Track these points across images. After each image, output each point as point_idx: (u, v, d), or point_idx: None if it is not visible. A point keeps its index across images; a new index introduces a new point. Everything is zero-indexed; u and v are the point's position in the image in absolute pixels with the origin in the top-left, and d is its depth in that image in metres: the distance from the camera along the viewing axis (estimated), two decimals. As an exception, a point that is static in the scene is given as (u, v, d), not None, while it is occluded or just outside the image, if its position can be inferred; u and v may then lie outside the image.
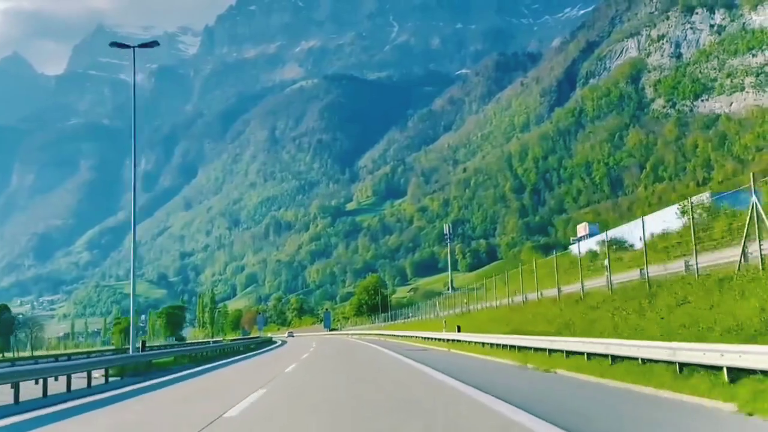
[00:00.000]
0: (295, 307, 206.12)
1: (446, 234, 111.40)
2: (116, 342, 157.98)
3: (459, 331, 43.10)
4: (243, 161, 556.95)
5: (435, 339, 48.51)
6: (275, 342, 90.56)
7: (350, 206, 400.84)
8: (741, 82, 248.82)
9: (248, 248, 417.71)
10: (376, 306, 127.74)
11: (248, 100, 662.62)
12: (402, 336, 66.86)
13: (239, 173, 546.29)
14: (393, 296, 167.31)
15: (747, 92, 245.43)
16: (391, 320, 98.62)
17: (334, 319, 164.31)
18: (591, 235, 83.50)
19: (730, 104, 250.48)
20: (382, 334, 79.92)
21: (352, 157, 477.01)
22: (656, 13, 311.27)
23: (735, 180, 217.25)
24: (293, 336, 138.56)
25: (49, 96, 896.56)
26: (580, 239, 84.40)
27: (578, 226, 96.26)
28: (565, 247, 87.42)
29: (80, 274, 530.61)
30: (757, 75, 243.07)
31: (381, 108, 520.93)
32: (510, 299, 43.94)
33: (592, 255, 47.03)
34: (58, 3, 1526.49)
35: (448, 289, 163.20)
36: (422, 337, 54.65)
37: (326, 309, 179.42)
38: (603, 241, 43.41)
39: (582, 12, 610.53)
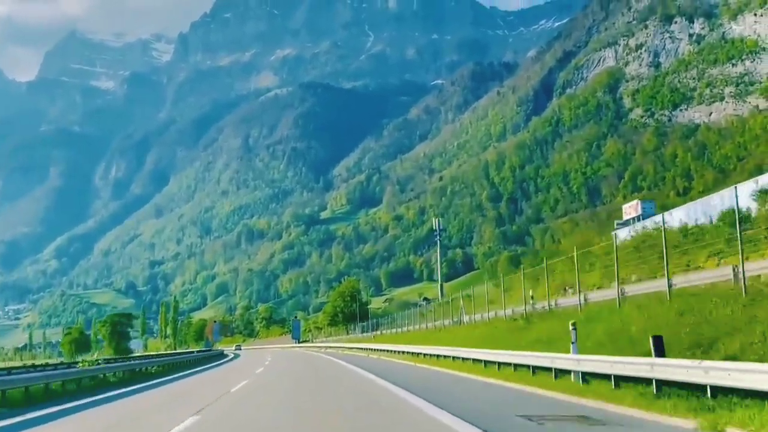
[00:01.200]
0: (263, 317, 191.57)
1: (435, 230, 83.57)
2: (66, 354, 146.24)
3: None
4: (216, 169, 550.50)
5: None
6: (225, 357, 78.33)
7: (324, 215, 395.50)
8: (720, 91, 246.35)
9: (219, 257, 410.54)
10: (353, 314, 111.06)
11: (222, 107, 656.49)
12: (400, 352, 48.59)
13: (211, 181, 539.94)
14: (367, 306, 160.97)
15: (726, 102, 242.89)
16: (372, 331, 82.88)
17: (305, 330, 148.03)
18: (645, 216, 66.59)
19: (710, 114, 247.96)
20: (364, 348, 62.98)
21: (327, 166, 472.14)
22: (634, 22, 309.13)
23: (715, 190, 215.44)
24: (240, 349, 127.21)
25: (19, 102, 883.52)
26: (627, 222, 70.49)
27: (625, 206, 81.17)
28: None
29: (48, 283, 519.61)
30: (737, 85, 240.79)
31: (356, 117, 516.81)
32: (539, 304, 33.50)
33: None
34: (31, 9, 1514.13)
35: (424, 300, 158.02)
36: (442, 356, 36.19)
37: (295, 317, 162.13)
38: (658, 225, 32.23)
39: (557, 24, 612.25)
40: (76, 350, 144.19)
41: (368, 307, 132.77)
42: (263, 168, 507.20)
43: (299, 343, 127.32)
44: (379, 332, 77.12)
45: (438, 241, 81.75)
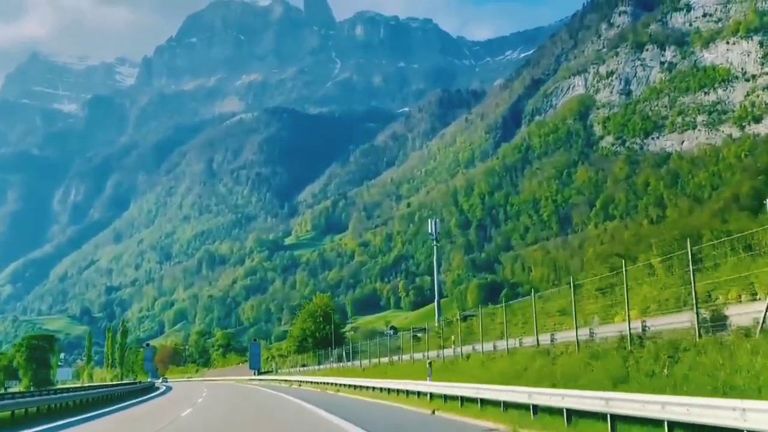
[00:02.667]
0: (220, 344, 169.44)
1: (431, 233, 62.11)
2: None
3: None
4: (178, 194, 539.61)
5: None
6: (145, 394, 62.57)
7: (289, 240, 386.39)
8: (693, 120, 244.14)
9: (179, 283, 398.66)
10: (326, 339, 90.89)
11: (185, 132, 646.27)
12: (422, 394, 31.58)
13: (173, 206, 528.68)
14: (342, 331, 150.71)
15: (699, 130, 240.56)
16: (350, 360, 63.90)
17: (267, 358, 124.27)
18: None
19: (682, 142, 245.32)
20: (357, 387, 44.01)
21: (292, 191, 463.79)
22: (605, 50, 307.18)
23: (690, 219, 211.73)
24: (167, 382, 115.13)
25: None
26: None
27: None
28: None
29: (0, 308, 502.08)
30: (710, 113, 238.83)
31: (322, 142, 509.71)
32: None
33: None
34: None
35: (391, 330, 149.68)
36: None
37: (254, 340, 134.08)
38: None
39: (523, 55, 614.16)
40: (5, 378, 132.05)
41: (342, 331, 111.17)
42: (226, 193, 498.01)
43: (259, 374, 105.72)
44: (359, 363, 58.64)
45: (435, 247, 63.54)
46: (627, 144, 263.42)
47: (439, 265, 75.64)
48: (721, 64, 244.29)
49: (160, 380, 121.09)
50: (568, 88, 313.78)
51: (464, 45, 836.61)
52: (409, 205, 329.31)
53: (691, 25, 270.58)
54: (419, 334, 54.40)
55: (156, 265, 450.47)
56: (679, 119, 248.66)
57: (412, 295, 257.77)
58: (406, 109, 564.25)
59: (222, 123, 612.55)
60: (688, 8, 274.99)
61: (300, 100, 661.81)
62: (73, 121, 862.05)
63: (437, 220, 63.74)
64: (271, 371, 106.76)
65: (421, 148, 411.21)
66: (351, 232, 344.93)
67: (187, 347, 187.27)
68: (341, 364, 66.18)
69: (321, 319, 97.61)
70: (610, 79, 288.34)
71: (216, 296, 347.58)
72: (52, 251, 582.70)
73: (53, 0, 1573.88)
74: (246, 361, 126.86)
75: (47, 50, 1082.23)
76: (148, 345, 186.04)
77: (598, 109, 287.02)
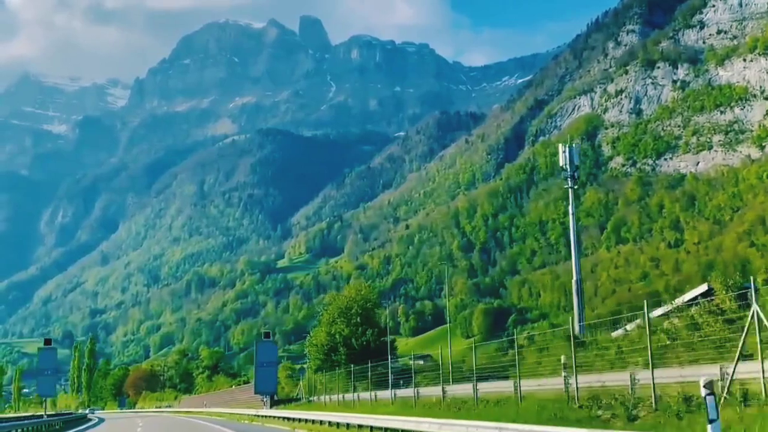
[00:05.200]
0: (206, 365, 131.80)
1: (564, 168, 43.43)
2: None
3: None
4: (167, 216, 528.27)
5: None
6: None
7: (282, 263, 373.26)
8: (708, 140, 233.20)
9: (166, 306, 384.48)
10: (367, 349, 59.71)
11: (177, 154, 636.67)
12: None
13: (162, 228, 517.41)
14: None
15: (715, 151, 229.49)
16: (402, 387, 40.86)
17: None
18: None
19: (697, 163, 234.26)
20: None
21: (285, 214, 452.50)
22: (612, 68, 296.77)
23: (711, 242, 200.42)
24: (94, 413, 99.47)
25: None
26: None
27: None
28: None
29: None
30: (726, 133, 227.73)
31: (316, 165, 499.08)
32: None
33: None
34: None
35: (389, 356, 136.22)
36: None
37: (264, 335, 76.29)
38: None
39: (520, 80, 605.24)
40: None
41: (391, 339, 69.86)
42: (218, 215, 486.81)
43: (273, 403, 63.05)
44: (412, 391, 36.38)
45: (571, 189, 41.61)
46: (638, 165, 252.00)
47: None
48: (738, 82, 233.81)
49: (87, 411, 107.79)
50: (574, 108, 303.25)
51: (460, 70, 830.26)
52: (407, 227, 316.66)
53: (704, 42, 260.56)
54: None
55: (143, 288, 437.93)
56: (694, 139, 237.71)
57: (412, 321, 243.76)
58: (401, 133, 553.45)
59: (214, 145, 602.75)
60: (702, 25, 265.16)
61: (294, 122, 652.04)
62: (63, 142, 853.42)
63: (572, 148, 46.23)
64: (299, 399, 66.02)
65: (419, 170, 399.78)
66: (347, 255, 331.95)
67: (166, 369, 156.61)
68: (395, 391, 40.21)
69: (359, 319, 63.89)
70: (619, 97, 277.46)
71: (205, 319, 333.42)
72: (37, 273, 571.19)
73: (45, 20, 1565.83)
74: (242, 383, 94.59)
75: (38, 71, 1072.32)
76: (108, 365, 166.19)
77: (606, 128, 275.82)
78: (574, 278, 41.46)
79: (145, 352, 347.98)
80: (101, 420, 71.24)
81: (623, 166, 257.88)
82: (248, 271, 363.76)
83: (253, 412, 61.25)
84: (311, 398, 62.50)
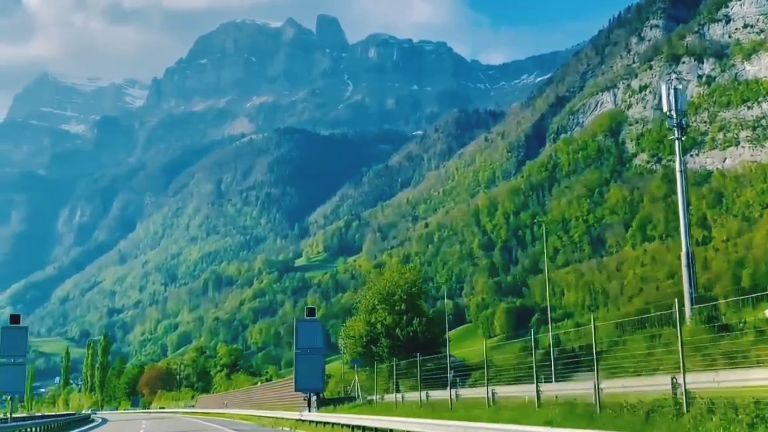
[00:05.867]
0: (224, 363, 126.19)
1: (668, 113, 36.09)
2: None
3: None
4: (185, 215, 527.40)
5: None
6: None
7: (299, 262, 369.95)
8: (735, 136, 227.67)
9: (183, 305, 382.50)
10: (414, 341, 51.95)
11: (194, 153, 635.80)
12: None
13: (180, 227, 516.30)
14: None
15: (742, 147, 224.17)
16: (458, 386, 34.89)
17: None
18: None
19: (724, 159, 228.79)
20: None
21: (302, 213, 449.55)
22: (636, 64, 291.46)
23: (740, 239, 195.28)
24: (96, 414, 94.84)
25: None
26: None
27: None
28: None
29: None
30: (754, 128, 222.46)
31: (334, 163, 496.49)
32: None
33: None
34: (0, 50, 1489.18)
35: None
36: None
37: (308, 311, 51.20)
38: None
39: (539, 79, 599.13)
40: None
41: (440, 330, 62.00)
42: (235, 214, 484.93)
43: (321, 404, 46.68)
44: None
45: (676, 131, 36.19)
46: (663, 162, 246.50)
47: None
48: (765, 77, 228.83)
49: (89, 411, 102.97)
50: (596, 105, 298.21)
51: (478, 69, 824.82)
52: (426, 225, 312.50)
53: (730, 36, 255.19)
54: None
55: (161, 287, 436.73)
56: (720, 135, 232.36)
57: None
58: (419, 132, 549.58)
59: (231, 144, 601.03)
60: (727, 19, 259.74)
61: (311, 121, 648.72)
62: (81, 142, 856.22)
63: (677, 90, 38.96)
64: (354, 398, 51.14)
65: (437, 168, 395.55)
66: (365, 254, 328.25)
67: (182, 367, 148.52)
68: (457, 391, 32.89)
69: (403, 306, 55.51)
70: (643, 93, 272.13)
71: (222, 318, 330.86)
72: (54, 273, 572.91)
73: (63, 21, 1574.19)
74: (264, 381, 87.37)
75: (56, 71, 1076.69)
76: (122, 363, 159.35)
77: (630, 125, 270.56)
78: (684, 251, 35.10)
79: (163, 351, 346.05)
80: (100, 422, 66.65)
81: (648, 162, 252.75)
82: (266, 269, 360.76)
83: (294, 415, 45.14)
84: (371, 397, 46.74)
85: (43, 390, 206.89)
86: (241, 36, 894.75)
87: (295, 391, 47.35)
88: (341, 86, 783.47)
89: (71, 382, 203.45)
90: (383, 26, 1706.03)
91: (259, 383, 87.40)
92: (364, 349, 55.31)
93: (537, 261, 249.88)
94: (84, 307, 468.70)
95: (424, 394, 34.45)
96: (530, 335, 27.99)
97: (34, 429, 41.47)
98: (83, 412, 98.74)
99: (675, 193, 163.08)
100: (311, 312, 50.75)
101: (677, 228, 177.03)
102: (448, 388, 32.16)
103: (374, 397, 45.73)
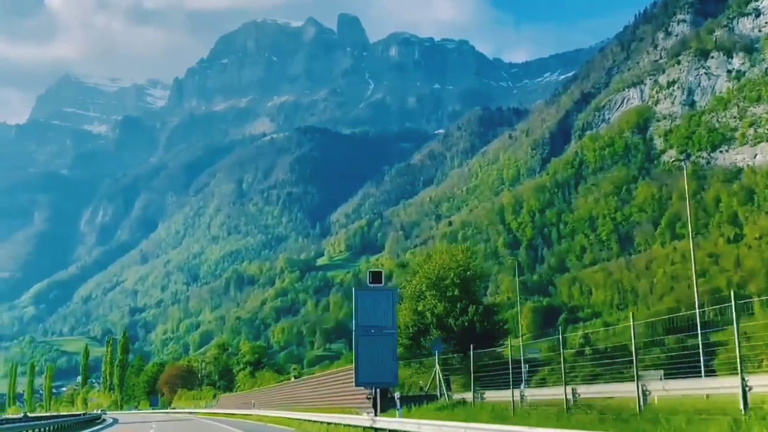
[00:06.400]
0: (247, 360, 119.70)
1: None
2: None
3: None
4: (206, 214, 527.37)
5: None
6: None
7: (321, 261, 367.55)
8: (766, 131, 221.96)
9: (205, 304, 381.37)
10: (468, 332, 46.74)
11: (215, 153, 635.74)
12: None
13: (201, 227, 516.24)
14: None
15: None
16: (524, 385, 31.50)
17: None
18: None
19: (755, 156, 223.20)
20: None
21: (324, 212, 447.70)
22: (663, 59, 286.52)
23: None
24: (106, 414, 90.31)
25: (7, 146, 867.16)
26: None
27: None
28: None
29: (22, 330, 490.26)
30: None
31: (355, 162, 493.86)
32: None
33: None
34: (23, 51, 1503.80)
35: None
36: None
37: (373, 271, 37.67)
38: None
39: (562, 77, 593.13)
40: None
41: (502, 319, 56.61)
42: (256, 213, 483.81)
43: (399, 408, 32.66)
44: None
45: None
46: (692, 158, 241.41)
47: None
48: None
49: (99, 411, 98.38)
50: (623, 101, 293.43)
51: (501, 67, 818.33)
52: (450, 223, 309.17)
53: (760, 30, 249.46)
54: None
55: (182, 287, 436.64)
56: (751, 131, 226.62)
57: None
58: (441, 131, 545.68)
59: (252, 143, 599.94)
60: (757, 13, 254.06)
61: (332, 120, 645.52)
62: (104, 142, 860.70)
63: None
64: (433, 397, 37.76)
65: (460, 166, 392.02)
66: (388, 252, 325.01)
67: (203, 365, 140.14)
68: (523, 392, 28.72)
69: (456, 292, 49.19)
70: (671, 89, 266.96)
71: (244, 318, 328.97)
72: (77, 272, 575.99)
73: (85, 21, 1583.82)
74: (292, 378, 78.07)
75: (79, 71, 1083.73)
76: (141, 361, 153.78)
77: (658, 121, 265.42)
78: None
79: (185, 350, 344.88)
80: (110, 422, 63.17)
81: (676, 159, 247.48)
82: (287, 269, 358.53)
83: (359, 420, 33.63)
84: (460, 396, 36.28)
85: (65, 389, 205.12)
86: (262, 36, 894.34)
87: (356, 385, 35.03)
88: (362, 85, 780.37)
89: (93, 381, 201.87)
90: (404, 25, 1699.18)
91: (292, 378, 78.47)
92: (411, 341, 49.02)
93: (563, 259, 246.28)
94: (106, 307, 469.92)
95: (479, 394, 30.20)
96: (557, 333, 24.58)
97: (41, 430, 40.14)
98: (94, 412, 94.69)
99: (704, 189, 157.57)
100: (377, 277, 36.29)
101: (707, 225, 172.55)
102: (510, 387, 26.79)
103: (460, 396, 35.76)
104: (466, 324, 46.96)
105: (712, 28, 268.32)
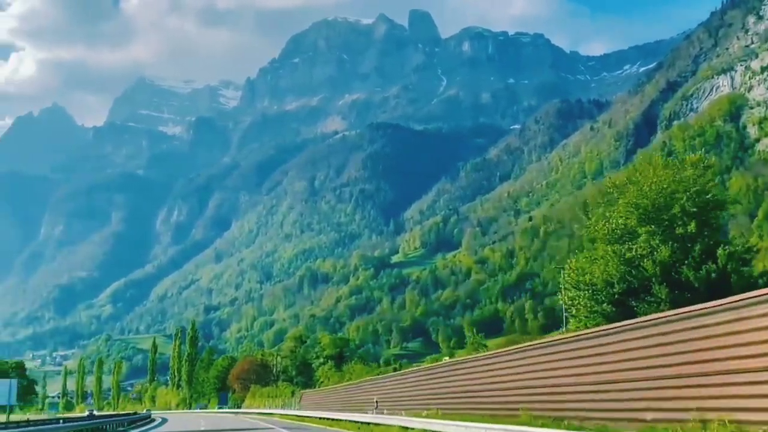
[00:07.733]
0: (327, 354, 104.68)
1: None
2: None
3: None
4: (279, 213, 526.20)
5: None
6: None
7: (396, 258, 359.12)
8: None
9: (279, 302, 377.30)
10: (708, 286, 30.82)
11: (287, 151, 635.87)
12: None
13: (274, 225, 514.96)
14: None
15: None
16: None
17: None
18: None
19: None
20: None
21: (398, 208, 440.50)
22: (756, 44, 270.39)
23: None
24: (151, 414, 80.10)
25: (84, 147, 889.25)
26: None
27: None
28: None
29: (100, 328, 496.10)
30: None
31: (429, 158, 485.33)
32: None
33: None
34: (99, 54, 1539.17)
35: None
36: None
37: None
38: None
39: (643, 69, 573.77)
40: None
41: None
42: (329, 211, 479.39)
43: None
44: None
45: None
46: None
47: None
48: None
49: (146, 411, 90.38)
50: (712, 89, 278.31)
51: (578, 60, 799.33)
52: (530, 219, 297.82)
53: None
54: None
55: (256, 285, 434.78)
56: None
57: (540, 318, 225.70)
58: (517, 126, 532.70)
59: (324, 141, 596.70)
60: None
61: (404, 117, 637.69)
62: (178, 143, 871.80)
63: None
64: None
65: (539, 160, 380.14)
66: (465, 249, 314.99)
67: (279, 359, 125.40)
68: None
69: (692, 227, 33.35)
70: (765, 74, 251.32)
71: (318, 316, 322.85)
72: (153, 271, 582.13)
73: (159, 25, 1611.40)
74: (392, 371, 65.49)
75: (153, 74, 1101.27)
76: (212, 354, 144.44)
77: (751, 108, 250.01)
78: None
79: (259, 348, 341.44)
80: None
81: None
82: (362, 266, 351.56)
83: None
84: None
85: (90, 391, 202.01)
86: (333, 34, 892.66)
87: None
88: (434, 81, 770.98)
89: (167, 379, 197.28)
90: (477, 19, 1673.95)
91: (446, 359, 60.40)
92: (614, 308, 33.13)
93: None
94: (181, 305, 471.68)
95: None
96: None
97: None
98: (143, 412, 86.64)
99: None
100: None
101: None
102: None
103: None
104: (714, 276, 31.17)
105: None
